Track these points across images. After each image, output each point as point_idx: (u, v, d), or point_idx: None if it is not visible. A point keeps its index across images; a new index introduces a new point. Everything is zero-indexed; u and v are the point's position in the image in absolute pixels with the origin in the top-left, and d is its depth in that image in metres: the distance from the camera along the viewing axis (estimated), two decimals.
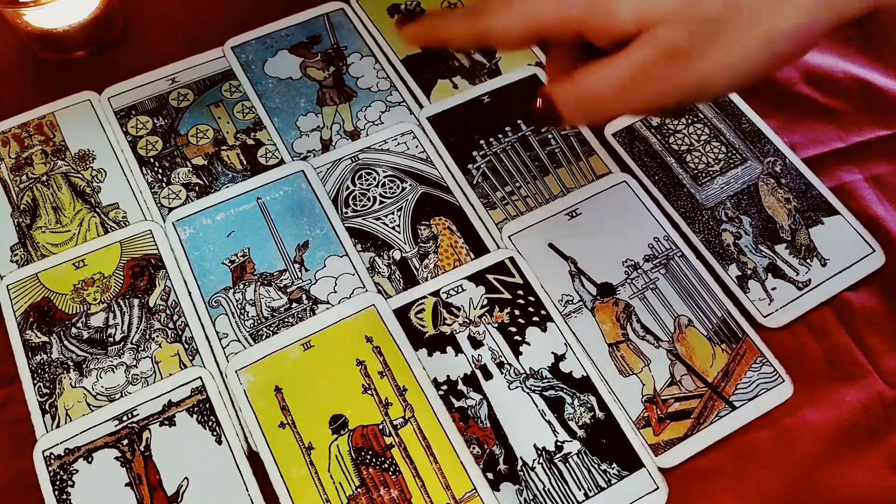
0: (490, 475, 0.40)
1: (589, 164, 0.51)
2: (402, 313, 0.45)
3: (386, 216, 0.48)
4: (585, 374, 0.43)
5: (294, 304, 0.45)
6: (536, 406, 0.42)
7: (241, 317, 0.45)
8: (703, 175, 0.50)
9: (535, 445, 0.41)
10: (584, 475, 0.40)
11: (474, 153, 0.51)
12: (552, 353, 0.43)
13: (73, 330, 0.44)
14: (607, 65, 0.33)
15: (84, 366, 0.43)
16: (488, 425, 0.41)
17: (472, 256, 0.47)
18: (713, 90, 0.33)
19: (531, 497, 0.40)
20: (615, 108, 0.35)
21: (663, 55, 0.31)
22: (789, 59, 0.33)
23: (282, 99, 0.53)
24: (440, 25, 0.38)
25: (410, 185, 0.50)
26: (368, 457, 0.40)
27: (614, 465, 0.40)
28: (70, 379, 0.43)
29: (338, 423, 0.41)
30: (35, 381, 0.43)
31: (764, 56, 0.32)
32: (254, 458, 0.40)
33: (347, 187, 0.49)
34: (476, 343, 0.44)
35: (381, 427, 0.41)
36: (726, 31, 0.31)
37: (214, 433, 0.41)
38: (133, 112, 0.52)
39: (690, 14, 0.31)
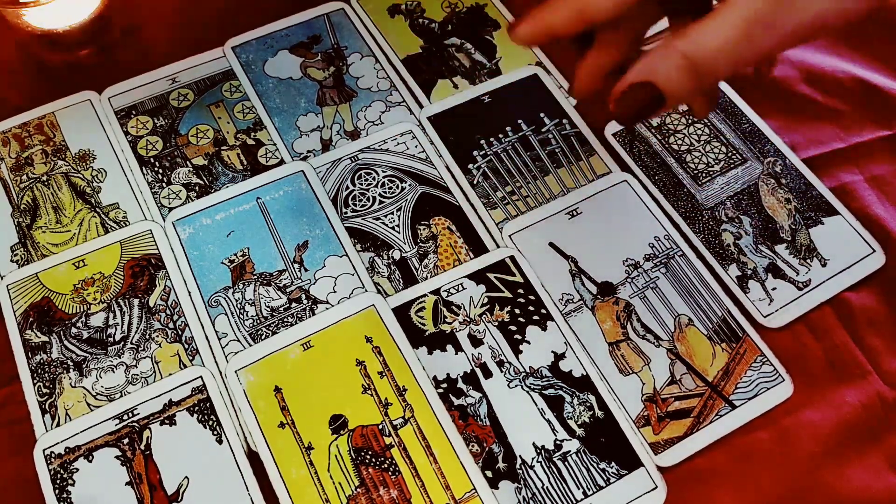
0: (489, 473, 0.40)
1: (589, 163, 0.51)
2: (402, 311, 0.45)
3: (385, 216, 0.48)
4: (585, 373, 0.43)
5: (293, 304, 0.45)
6: (536, 404, 0.42)
7: (241, 317, 0.45)
8: (704, 175, 0.50)
9: (534, 444, 0.41)
10: (582, 474, 0.40)
11: (474, 153, 0.51)
12: (552, 351, 0.43)
13: (73, 330, 0.44)
14: (716, 18, 0.29)
15: (84, 366, 0.43)
16: (487, 423, 0.41)
17: (472, 256, 0.47)
18: (828, 26, 0.30)
19: (530, 495, 0.40)
20: (728, 69, 0.31)
21: None
22: None
23: (282, 99, 0.53)
24: (543, 18, 0.34)
25: (410, 184, 0.50)
26: (368, 457, 0.40)
27: (613, 463, 0.40)
28: (70, 379, 0.43)
29: (337, 423, 0.41)
30: (35, 381, 0.43)
31: None
32: (254, 458, 0.40)
33: (347, 187, 0.49)
34: (476, 341, 0.44)
35: (380, 427, 0.41)
36: None
37: (215, 432, 0.41)
38: (133, 112, 0.52)
39: None
